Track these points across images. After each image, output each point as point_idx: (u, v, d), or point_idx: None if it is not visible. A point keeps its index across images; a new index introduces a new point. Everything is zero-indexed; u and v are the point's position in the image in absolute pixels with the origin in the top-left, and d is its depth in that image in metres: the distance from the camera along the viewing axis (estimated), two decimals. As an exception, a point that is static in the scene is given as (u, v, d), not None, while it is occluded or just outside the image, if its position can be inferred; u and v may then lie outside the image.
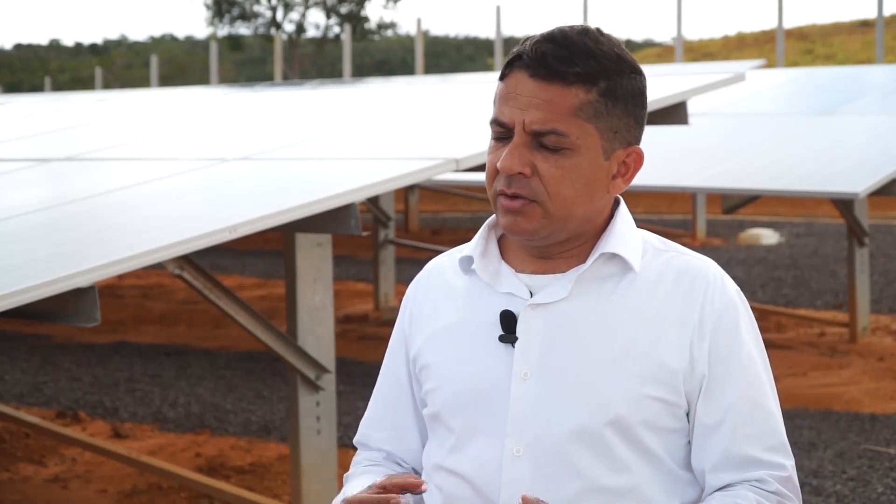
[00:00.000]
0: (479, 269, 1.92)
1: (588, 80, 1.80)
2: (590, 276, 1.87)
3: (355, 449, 2.13)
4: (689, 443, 1.88)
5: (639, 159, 1.88)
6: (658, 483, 1.84)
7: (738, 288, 1.92)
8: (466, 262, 1.94)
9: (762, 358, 1.89)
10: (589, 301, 1.86)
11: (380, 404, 2.06)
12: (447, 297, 1.96)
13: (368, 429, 2.07)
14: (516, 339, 1.86)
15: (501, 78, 1.86)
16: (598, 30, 1.85)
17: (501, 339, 1.87)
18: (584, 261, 1.88)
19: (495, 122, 1.85)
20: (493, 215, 1.94)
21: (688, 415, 1.86)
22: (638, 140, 1.89)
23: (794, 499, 1.85)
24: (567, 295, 1.86)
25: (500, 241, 1.95)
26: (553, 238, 1.86)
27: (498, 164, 1.83)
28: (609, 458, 1.82)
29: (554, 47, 1.81)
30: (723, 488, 1.85)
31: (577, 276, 1.86)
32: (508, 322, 1.86)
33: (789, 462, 1.86)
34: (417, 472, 2.03)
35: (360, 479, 1.96)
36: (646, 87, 1.88)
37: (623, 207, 1.92)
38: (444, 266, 2.01)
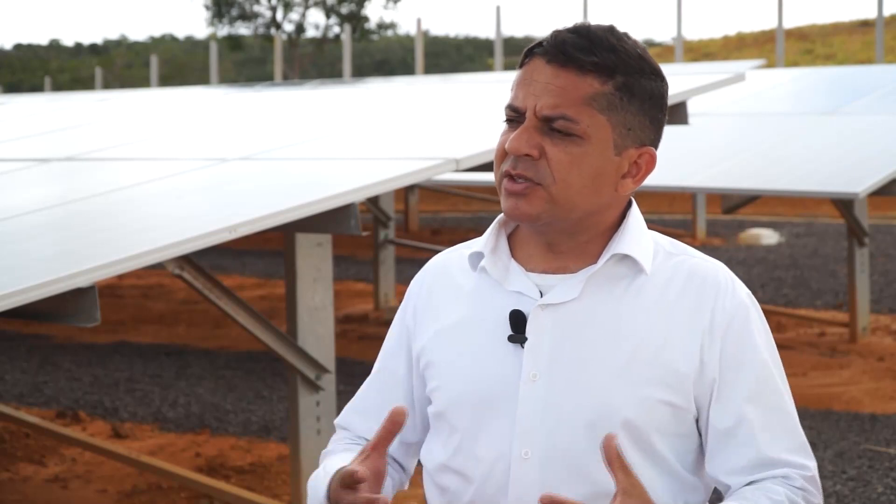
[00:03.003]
0: (488, 266, 1.89)
1: (604, 72, 1.79)
2: (601, 276, 1.85)
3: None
4: (699, 448, 1.87)
5: (651, 161, 1.86)
6: (665, 486, 1.83)
7: (750, 292, 1.90)
8: (476, 259, 1.92)
9: (775, 361, 1.87)
10: (599, 302, 1.84)
11: (371, 394, 2.03)
12: (454, 294, 1.93)
13: (354, 415, 2.04)
14: (526, 339, 1.84)
15: (520, 65, 1.85)
16: (625, 32, 1.84)
17: (511, 339, 1.85)
18: (594, 260, 1.86)
19: (509, 107, 1.84)
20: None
21: (696, 420, 1.85)
22: (654, 143, 1.86)
23: (818, 496, 1.84)
24: (578, 295, 1.84)
25: (511, 239, 1.93)
26: (555, 226, 1.83)
27: (506, 146, 1.82)
28: None
29: (575, 37, 1.80)
30: (749, 484, 1.83)
31: (587, 276, 1.84)
32: (518, 322, 1.84)
33: (812, 463, 1.85)
34: (399, 464, 2.02)
35: (340, 456, 1.94)
36: (666, 92, 1.86)
37: (635, 209, 1.90)
38: (451, 262, 1.98)
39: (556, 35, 1.82)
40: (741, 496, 1.81)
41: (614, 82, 1.80)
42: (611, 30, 1.83)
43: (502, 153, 1.84)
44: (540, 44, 1.83)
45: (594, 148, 1.80)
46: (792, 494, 1.81)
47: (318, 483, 1.88)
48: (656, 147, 1.87)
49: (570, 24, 1.84)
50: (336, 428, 2.08)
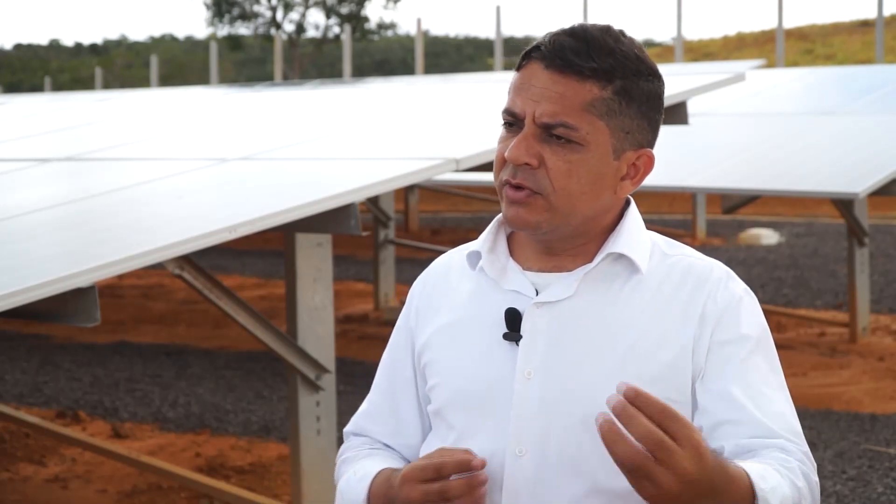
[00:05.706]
0: (486, 265, 1.90)
1: (604, 77, 1.79)
2: (596, 275, 1.86)
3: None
4: None
5: (649, 162, 1.86)
6: None
7: (747, 287, 1.89)
8: (474, 258, 1.93)
9: (769, 352, 1.86)
10: (594, 300, 1.85)
11: (380, 398, 2.03)
12: (453, 293, 1.95)
13: (367, 421, 2.04)
14: (521, 337, 1.84)
15: (518, 68, 1.85)
16: (620, 31, 1.83)
17: (506, 336, 1.85)
18: (590, 259, 1.87)
19: (507, 112, 1.84)
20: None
21: (693, 413, 1.84)
22: (651, 144, 1.87)
23: (814, 472, 1.78)
24: (573, 293, 1.84)
25: (509, 238, 1.94)
26: (556, 233, 1.84)
27: (506, 154, 1.82)
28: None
29: (572, 41, 1.79)
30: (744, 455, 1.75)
31: (583, 274, 1.85)
32: (513, 320, 1.85)
33: (805, 446, 1.79)
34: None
35: (371, 460, 1.93)
36: (663, 91, 1.87)
37: (633, 208, 1.91)
38: (451, 262, 2.00)
39: (554, 39, 1.81)
40: (755, 459, 1.71)
41: (613, 87, 1.79)
42: (607, 30, 1.82)
43: (502, 161, 1.84)
44: (538, 47, 1.82)
45: (593, 154, 1.80)
46: (802, 466, 1.73)
47: (351, 487, 1.90)
48: (653, 147, 1.88)
49: (566, 27, 1.83)
50: (346, 437, 2.07)
